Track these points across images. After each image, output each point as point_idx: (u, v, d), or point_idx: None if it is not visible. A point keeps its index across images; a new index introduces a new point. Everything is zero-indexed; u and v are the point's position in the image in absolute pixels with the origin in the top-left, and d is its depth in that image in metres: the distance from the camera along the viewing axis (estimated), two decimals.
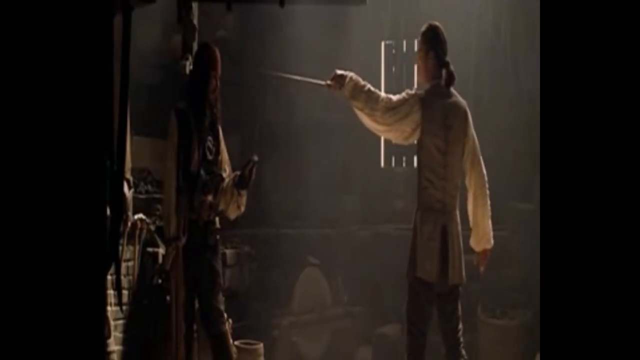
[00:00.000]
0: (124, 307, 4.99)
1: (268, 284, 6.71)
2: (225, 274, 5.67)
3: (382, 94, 4.23)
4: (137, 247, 5.10)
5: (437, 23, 4.32)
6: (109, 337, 4.64)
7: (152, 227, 5.25)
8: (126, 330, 5.07)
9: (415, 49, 4.41)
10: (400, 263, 4.34)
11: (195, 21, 4.89)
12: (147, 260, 5.21)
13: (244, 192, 4.53)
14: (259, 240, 6.91)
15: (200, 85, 4.43)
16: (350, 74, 4.27)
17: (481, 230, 4.28)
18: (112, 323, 4.76)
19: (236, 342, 5.03)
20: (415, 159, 4.42)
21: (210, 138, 4.49)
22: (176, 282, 4.35)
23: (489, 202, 4.28)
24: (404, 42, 7.91)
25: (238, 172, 4.50)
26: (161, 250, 5.05)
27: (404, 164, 7.91)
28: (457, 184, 4.24)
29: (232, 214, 4.63)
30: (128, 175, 4.51)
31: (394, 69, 7.97)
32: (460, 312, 4.25)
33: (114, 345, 4.89)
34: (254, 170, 4.44)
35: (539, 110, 2.59)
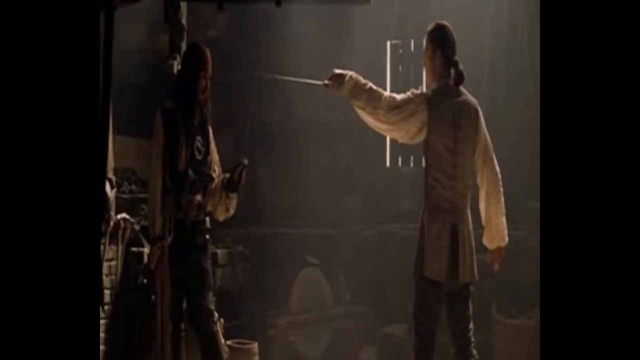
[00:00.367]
0: (106, 307, 4.98)
1: (264, 284, 6.67)
2: (217, 273, 5.65)
3: (386, 92, 4.17)
4: (121, 247, 5.07)
5: (444, 22, 4.27)
6: None
7: (137, 227, 5.23)
8: (108, 330, 5.05)
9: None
10: (407, 262, 4.29)
11: (184, 21, 4.87)
12: (131, 260, 5.18)
13: (233, 195, 4.51)
14: (254, 239, 6.88)
15: (189, 85, 4.40)
16: (349, 72, 4.21)
17: (494, 228, 4.22)
18: None
19: (229, 342, 5.01)
20: (423, 158, 4.35)
21: (199, 138, 4.47)
22: (161, 281, 4.32)
23: (502, 199, 4.21)
24: (412, 42, 7.81)
25: (227, 175, 4.48)
26: (146, 250, 5.02)
27: (411, 164, 7.82)
28: (467, 183, 4.19)
29: (221, 216, 4.61)
30: (110, 174, 4.48)
31: (400, 69, 7.91)
32: (471, 312, 4.19)
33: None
34: (244, 174, 4.42)
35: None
